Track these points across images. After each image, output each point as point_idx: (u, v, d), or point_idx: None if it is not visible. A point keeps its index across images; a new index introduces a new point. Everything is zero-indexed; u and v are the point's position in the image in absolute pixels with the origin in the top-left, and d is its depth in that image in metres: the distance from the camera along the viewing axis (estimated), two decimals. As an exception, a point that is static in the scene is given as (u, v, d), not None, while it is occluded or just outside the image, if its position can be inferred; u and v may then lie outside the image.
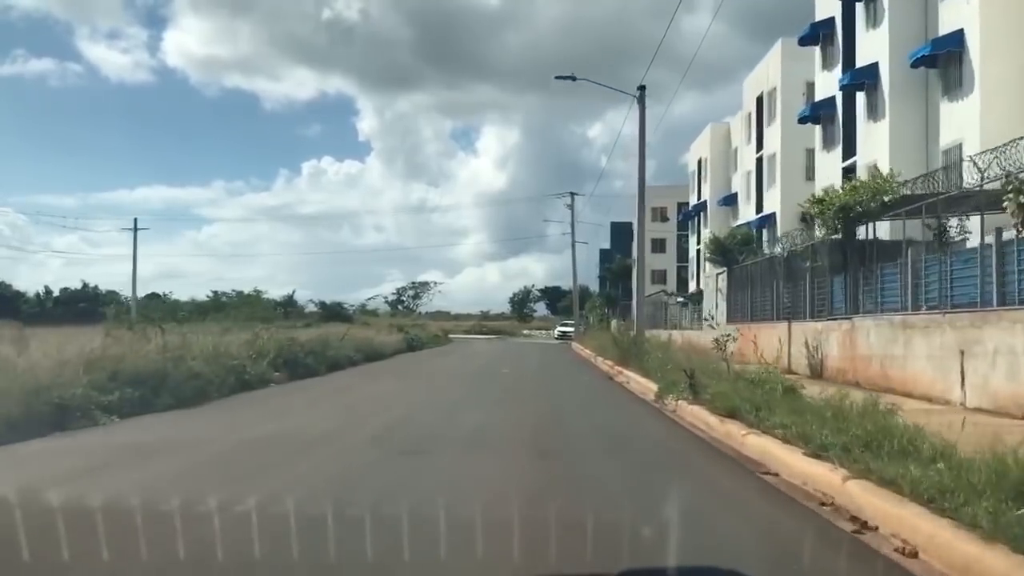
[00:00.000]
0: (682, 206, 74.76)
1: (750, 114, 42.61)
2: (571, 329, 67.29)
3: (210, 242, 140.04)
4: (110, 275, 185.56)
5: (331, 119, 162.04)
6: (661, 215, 79.69)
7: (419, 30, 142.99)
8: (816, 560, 4.45)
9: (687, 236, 73.67)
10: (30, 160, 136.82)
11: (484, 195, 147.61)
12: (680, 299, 45.77)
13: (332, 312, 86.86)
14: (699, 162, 54.98)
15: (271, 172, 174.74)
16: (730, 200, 48.25)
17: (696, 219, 57.00)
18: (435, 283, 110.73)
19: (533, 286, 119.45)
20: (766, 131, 39.39)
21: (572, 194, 65.24)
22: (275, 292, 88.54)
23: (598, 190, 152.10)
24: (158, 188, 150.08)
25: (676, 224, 78.25)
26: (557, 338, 70.24)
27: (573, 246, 65.09)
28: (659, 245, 78.88)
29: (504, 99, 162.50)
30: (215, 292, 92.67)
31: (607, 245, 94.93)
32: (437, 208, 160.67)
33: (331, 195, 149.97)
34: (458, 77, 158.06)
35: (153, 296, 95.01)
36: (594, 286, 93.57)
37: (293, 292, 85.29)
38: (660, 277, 76.54)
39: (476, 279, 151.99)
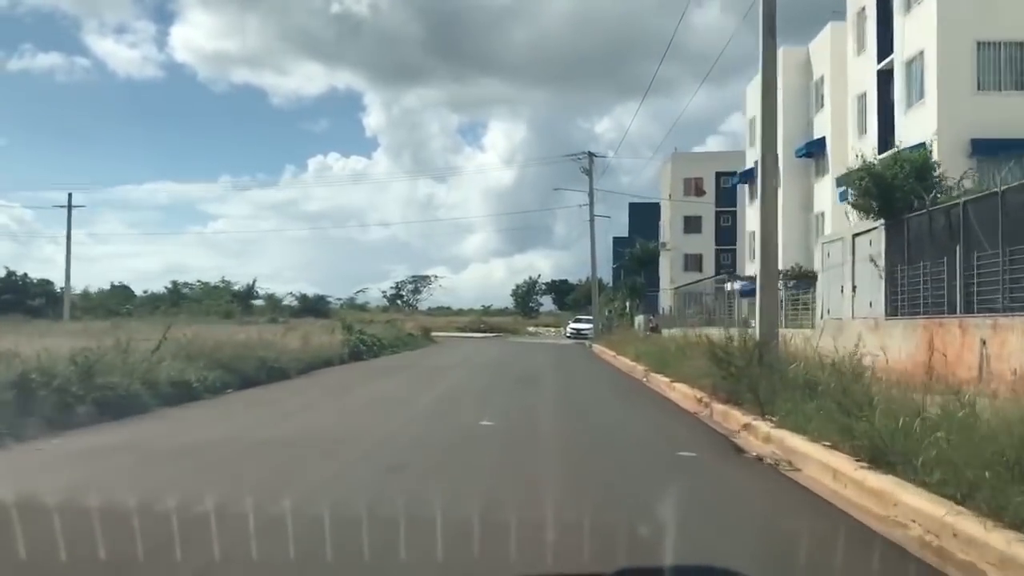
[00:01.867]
0: (723, 177, 61.13)
1: (862, 10, 28.77)
2: (588, 326, 53.56)
3: (215, 237, 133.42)
4: (108, 270, 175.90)
5: (338, 114, 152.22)
6: (696, 188, 65.62)
7: (428, 24, 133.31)
8: None
9: (731, 214, 60.59)
10: (35, 154, 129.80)
11: (491, 189, 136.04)
12: (746, 284, 31.93)
13: (311, 306, 74.22)
14: (762, 105, 40.87)
15: (278, 167, 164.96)
16: (815, 148, 34.38)
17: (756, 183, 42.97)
18: (435, 277, 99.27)
19: (539, 277, 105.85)
20: (900, 26, 25.62)
21: (591, 154, 51.90)
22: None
23: (602, 188, 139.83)
24: (164, 183, 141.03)
25: (715, 198, 64.42)
26: (569, 337, 56.52)
27: (592, 220, 51.50)
28: (693, 224, 64.84)
29: (512, 94, 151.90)
30: (174, 283, 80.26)
31: (620, 233, 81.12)
32: (444, 203, 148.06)
33: (337, 191, 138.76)
34: (466, 71, 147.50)
35: (119, 288, 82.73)
36: (607, 278, 79.62)
37: (254, 282, 72.47)
38: (695, 263, 62.52)
39: (482, 275, 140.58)
